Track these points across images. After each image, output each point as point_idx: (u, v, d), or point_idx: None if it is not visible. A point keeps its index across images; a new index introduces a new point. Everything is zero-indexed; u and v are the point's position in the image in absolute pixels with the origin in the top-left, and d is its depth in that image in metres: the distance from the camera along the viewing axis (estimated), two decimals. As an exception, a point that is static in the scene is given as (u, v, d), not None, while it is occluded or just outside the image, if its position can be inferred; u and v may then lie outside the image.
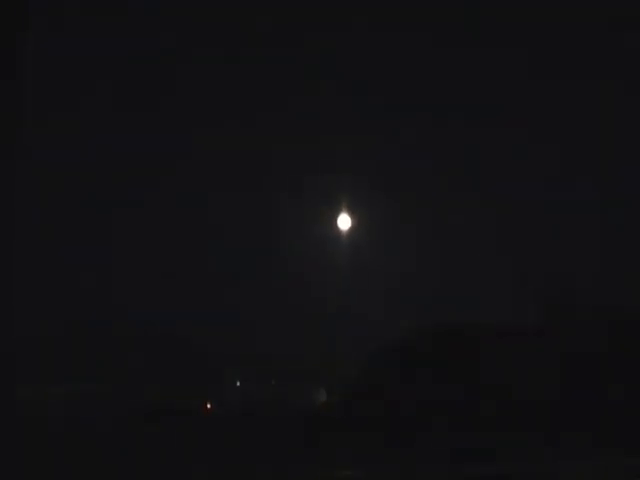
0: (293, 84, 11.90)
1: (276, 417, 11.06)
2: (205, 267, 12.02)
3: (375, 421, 10.47)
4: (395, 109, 12.25)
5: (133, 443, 9.68)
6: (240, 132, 11.90)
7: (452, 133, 12.36)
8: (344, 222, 12.44)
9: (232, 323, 11.63)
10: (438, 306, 11.44)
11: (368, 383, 11.24)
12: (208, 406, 11.84)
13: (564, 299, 11.42)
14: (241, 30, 11.34)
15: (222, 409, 11.73)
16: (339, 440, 10.17)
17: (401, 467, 8.68)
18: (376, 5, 11.55)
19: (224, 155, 12.10)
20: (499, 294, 11.27)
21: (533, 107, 11.96)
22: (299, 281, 12.19)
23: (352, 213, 12.32)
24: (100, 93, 11.67)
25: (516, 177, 11.90)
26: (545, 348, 10.75)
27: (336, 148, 11.95)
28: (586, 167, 11.84)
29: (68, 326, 11.35)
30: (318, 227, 12.34)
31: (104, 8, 10.93)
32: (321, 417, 11.26)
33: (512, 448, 9.35)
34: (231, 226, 12.24)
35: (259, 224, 12.46)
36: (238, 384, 12.33)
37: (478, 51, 11.90)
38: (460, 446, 9.48)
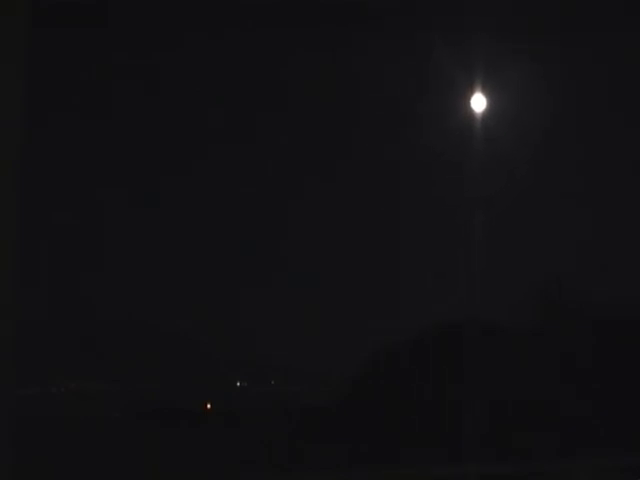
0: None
1: (276, 417, 11.06)
2: (214, 259, 11.92)
3: (375, 421, 10.47)
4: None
5: (132, 443, 9.69)
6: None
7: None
8: (478, 103, 10.04)
9: (232, 322, 11.63)
10: (436, 305, 11.42)
11: (370, 383, 11.25)
12: (208, 406, 11.84)
13: (563, 299, 11.42)
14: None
15: (222, 409, 11.73)
16: (339, 440, 10.18)
17: (401, 467, 8.69)
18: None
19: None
20: (499, 294, 11.25)
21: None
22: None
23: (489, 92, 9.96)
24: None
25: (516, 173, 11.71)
26: (543, 348, 10.76)
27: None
28: (586, 165, 11.81)
29: (69, 324, 11.35)
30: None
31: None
32: (321, 417, 11.26)
33: (512, 448, 9.37)
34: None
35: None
36: (238, 384, 12.34)
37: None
38: (460, 446, 9.49)
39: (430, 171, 11.69)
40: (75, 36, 9.94)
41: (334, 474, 8.42)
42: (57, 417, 10.49)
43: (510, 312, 11.19)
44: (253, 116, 11.89)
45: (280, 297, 11.92)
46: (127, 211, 11.91)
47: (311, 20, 9.42)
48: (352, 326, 11.47)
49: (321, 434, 10.67)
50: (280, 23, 9.74)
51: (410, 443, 9.80)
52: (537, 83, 10.77)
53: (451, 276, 11.59)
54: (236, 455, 9.48)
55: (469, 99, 10.02)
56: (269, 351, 11.78)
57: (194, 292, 11.75)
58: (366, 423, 10.49)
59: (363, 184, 12.17)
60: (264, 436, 10.24)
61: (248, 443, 10.04)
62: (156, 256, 11.81)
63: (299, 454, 9.83)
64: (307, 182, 12.15)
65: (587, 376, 10.31)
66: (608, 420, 9.84)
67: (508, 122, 10.59)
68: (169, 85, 11.66)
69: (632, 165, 11.51)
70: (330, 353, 11.39)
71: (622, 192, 11.62)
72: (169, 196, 12.13)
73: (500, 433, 9.84)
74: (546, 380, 10.31)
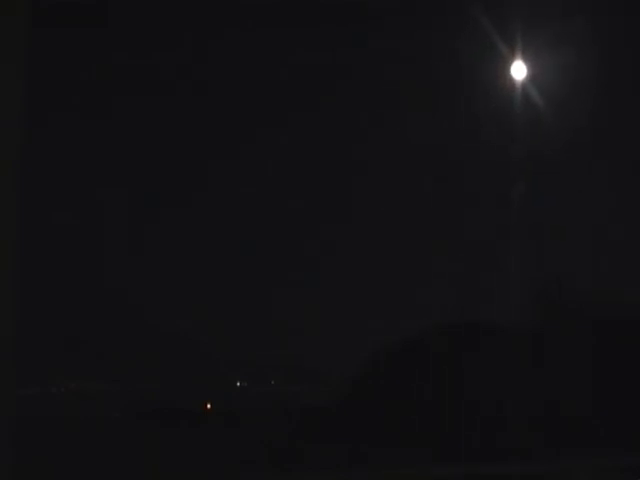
0: None
1: (276, 417, 11.06)
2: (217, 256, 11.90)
3: (375, 421, 10.47)
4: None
5: (132, 443, 9.69)
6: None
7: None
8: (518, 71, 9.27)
9: (232, 322, 11.63)
10: (436, 305, 11.41)
11: (370, 383, 11.24)
12: (208, 406, 11.84)
13: (563, 299, 11.42)
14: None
15: (222, 409, 11.73)
16: (339, 440, 10.17)
17: (401, 467, 8.69)
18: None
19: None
20: (499, 294, 11.25)
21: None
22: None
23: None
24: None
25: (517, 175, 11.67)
26: (543, 348, 10.76)
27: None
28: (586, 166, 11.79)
29: (69, 324, 11.34)
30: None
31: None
32: (321, 417, 11.26)
33: (512, 448, 9.36)
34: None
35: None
36: (238, 384, 12.33)
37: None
38: (460, 446, 9.50)
39: (430, 171, 11.70)
40: (75, 36, 9.95)
41: (334, 474, 8.42)
42: (57, 417, 10.49)
43: (510, 312, 11.20)
44: (254, 116, 11.90)
45: (280, 297, 11.93)
46: (127, 211, 11.92)
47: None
48: (352, 326, 11.47)
49: (321, 434, 10.67)
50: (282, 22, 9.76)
51: (410, 443, 9.80)
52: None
53: (451, 276, 11.60)
54: (236, 455, 9.47)
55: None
56: (269, 351, 11.78)
57: (194, 292, 11.75)
58: (366, 423, 10.49)
59: (362, 186, 12.18)
60: (264, 436, 10.24)
61: (248, 443, 10.03)
62: (156, 256, 11.81)
63: (299, 454, 9.83)
64: (306, 181, 12.16)
65: (587, 376, 10.31)
66: (608, 420, 9.84)
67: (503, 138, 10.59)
68: (169, 85, 11.66)
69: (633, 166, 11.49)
70: (330, 353, 11.40)
71: (625, 191, 11.61)
72: (169, 196, 12.14)
73: (500, 433, 9.84)
74: (546, 380, 10.31)
